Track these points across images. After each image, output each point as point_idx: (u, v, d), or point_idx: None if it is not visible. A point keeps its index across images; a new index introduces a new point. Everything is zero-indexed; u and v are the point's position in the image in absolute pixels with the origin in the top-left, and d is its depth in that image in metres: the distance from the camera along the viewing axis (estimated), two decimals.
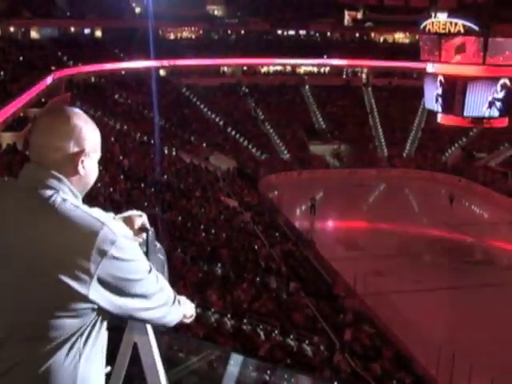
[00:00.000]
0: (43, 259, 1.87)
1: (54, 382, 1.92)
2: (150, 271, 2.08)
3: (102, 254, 1.90)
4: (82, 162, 2.08)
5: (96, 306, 1.97)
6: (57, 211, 1.92)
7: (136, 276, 2.01)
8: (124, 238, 1.98)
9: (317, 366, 18.03)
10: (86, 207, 2.01)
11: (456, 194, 44.41)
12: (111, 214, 2.24)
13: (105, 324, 2.10)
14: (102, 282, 1.92)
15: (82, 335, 1.99)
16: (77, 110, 2.11)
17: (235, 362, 4.20)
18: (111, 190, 28.20)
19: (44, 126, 2.06)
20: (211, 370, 4.21)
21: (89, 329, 2.01)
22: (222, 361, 4.20)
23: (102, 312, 2.03)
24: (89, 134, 2.09)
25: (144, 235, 2.30)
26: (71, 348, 1.95)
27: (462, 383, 19.99)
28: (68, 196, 2.02)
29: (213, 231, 28.81)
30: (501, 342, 21.80)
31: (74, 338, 1.96)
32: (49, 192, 1.98)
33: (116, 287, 1.96)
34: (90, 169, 2.13)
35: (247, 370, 4.52)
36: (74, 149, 2.04)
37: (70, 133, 2.04)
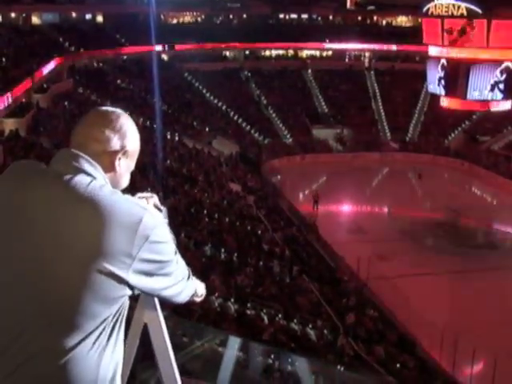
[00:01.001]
0: (82, 246, 1.88)
1: (76, 372, 1.92)
2: (175, 252, 2.16)
3: (145, 238, 1.95)
4: (120, 159, 2.13)
5: (127, 292, 2.02)
6: (97, 197, 1.93)
7: (167, 257, 2.09)
8: (162, 223, 2.07)
9: (320, 350, 18.11)
10: (120, 193, 2.05)
11: (423, 170, 44.85)
12: (136, 197, 2.29)
13: (126, 312, 2.13)
14: (141, 266, 1.97)
15: (109, 324, 2.01)
16: (125, 113, 2.20)
17: (233, 344, 4.23)
18: None
19: (93, 118, 2.13)
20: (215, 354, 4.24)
21: (115, 318, 2.04)
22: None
23: (128, 299, 2.08)
24: (132, 136, 2.18)
25: None
26: (98, 338, 1.96)
27: (465, 365, 20.11)
28: (103, 183, 2.05)
29: (216, 216, 28.85)
30: (503, 325, 21.86)
31: (101, 328, 1.97)
32: (87, 178, 1.99)
33: (151, 269, 2.02)
34: (124, 170, 2.18)
35: (251, 354, 4.54)
36: (115, 144, 2.10)
37: (115, 129, 2.10)
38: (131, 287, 2.00)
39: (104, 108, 2.18)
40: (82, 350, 1.92)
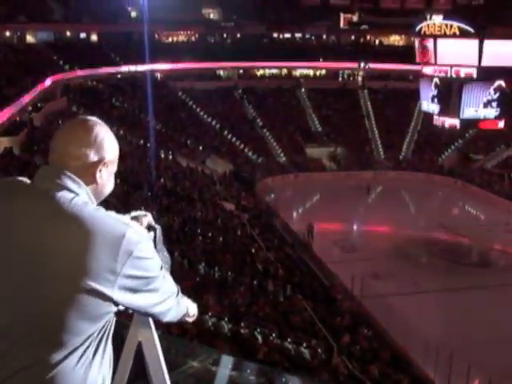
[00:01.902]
0: (66, 264, 1.87)
1: None
2: (161, 268, 2.13)
3: (128, 254, 1.93)
4: (100, 171, 2.11)
5: (113, 309, 2.01)
6: (80, 214, 1.93)
7: (152, 274, 2.06)
8: (146, 239, 2.06)
9: (315, 369, 18.02)
10: (104, 209, 2.04)
11: (372, 185, 44.73)
12: (127, 216, 2.28)
13: (113, 327, 2.12)
14: (125, 282, 1.96)
15: (95, 340, 2.01)
16: (99, 121, 2.15)
17: (226, 364, 4.21)
18: None
19: (67, 133, 2.10)
20: (208, 373, 4.21)
21: (101, 333, 2.03)
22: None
23: (115, 315, 2.08)
24: (109, 145, 2.14)
25: (151, 234, 2.33)
26: (84, 352, 1.96)
27: (460, 383, 20.03)
28: (87, 199, 2.05)
29: (210, 235, 28.80)
30: (498, 343, 21.81)
31: (87, 343, 1.97)
32: (69, 195, 1.99)
33: (135, 285, 2.01)
34: (106, 179, 2.16)
35: (244, 374, 4.52)
36: (93, 157, 2.08)
37: (91, 142, 2.07)
38: (116, 303, 1.99)
39: (77, 120, 2.15)
40: (68, 365, 1.92)
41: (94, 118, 2.15)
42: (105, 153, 2.11)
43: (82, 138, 2.06)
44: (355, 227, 38.98)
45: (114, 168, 2.19)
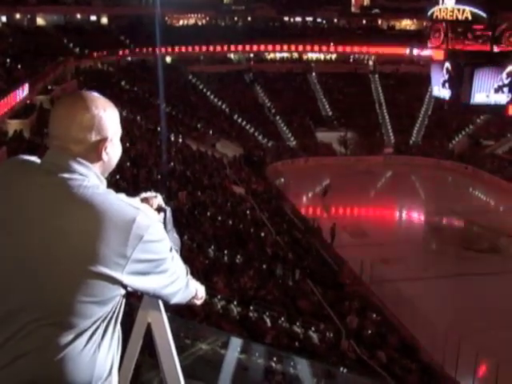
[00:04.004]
0: (76, 248, 1.87)
1: (70, 369, 1.92)
2: (171, 249, 2.13)
3: (139, 238, 1.93)
4: (105, 148, 2.06)
5: (122, 292, 2.01)
6: (90, 198, 1.92)
7: (162, 255, 2.06)
8: (156, 222, 2.04)
9: (323, 353, 18.08)
10: (114, 193, 2.02)
11: (330, 187, 42.67)
12: (137, 199, 2.27)
13: (122, 310, 2.12)
14: (135, 266, 1.96)
15: (103, 322, 2.00)
16: (93, 96, 2.06)
17: (234, 346, 4.23)
18: (118, 177, 28.23)
19: (62, 117, 2.03)
20: (217, 356, 4.24)
21: (110, 315, 2.03)
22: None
23: (124, 298, 2.07)
24: (109, 121, 2.06)
25: (162, 215, 2.33)
26: (92, 335, 1.96)
27: (467, 369, 20.05)
28: (97, 182, 2.02)
29: (219, 218, 28.83)
30: (506, 329, 21.80)
31: (96, 325, 1.97)
32: (79, 178, 1.97)
33: (145, 268, 2.01)
34: (113, 153, 2.12)
35: (253, 356, 4.55)
36: (95, 138, 2.02)
37: (90, 124, 2.00)
38: (126, 286, 1.99)
39: (72, 101, 2.06)
40: (77, 347, 1.92)
41: (86, 95, 2.06)
42: (106, 132, 2.05)
43: (80, 122, 1.99)
44: (365, 212, 38.90)
45: (117, 139, 2.14)
